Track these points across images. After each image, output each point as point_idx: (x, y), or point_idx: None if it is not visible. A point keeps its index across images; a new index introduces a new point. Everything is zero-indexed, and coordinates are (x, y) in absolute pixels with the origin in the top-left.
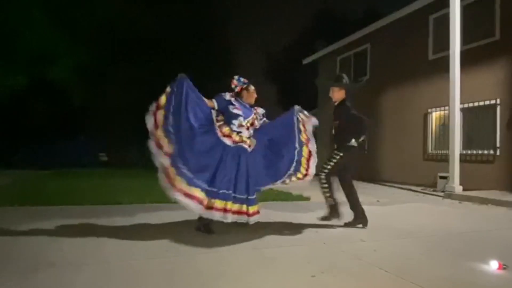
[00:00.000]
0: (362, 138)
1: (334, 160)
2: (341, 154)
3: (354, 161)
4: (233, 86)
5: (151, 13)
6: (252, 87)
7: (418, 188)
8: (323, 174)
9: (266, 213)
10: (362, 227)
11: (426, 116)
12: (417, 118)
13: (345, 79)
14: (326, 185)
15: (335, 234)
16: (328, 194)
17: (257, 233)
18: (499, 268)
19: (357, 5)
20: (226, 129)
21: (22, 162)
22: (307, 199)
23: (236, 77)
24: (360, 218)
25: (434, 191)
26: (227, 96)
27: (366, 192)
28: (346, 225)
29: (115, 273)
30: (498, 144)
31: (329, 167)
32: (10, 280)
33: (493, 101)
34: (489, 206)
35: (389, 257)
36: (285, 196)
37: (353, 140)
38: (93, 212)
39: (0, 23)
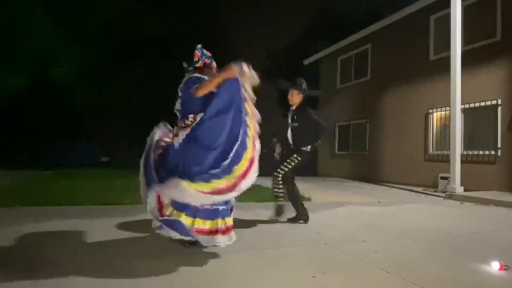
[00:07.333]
0: (317, 144)
1: (293, 163)
2: (300, 158)
3: (304, 163)
4: (195, 59)
5: (152, 13)
6: (215, 63)
7: (419, 189)
8: (280, 175)
9: (267, 213)
10: (303, 223)
11: (427, 116)
12: (418, 119)
13: (305, 84)
14: (281, 186)
15: (336, 235)
16: (281, 195)
17: (258, 233)
18: (500, 269)
19: (358, 5)
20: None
21: (23, 162)
22: (308, 199)
23: (199, 47)
24: (302, 215)
25: (435, 191)
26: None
27: (367, 192)
28: (289, 220)
29: (116, 274)
30: (499, 145)
31: (286, 169)
32: (10, 280)
33: (494, 102)
34: (491, 207)
35: (390, 258)
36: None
37: (309, 146)
38: (94, 212)
39: (3, 23)
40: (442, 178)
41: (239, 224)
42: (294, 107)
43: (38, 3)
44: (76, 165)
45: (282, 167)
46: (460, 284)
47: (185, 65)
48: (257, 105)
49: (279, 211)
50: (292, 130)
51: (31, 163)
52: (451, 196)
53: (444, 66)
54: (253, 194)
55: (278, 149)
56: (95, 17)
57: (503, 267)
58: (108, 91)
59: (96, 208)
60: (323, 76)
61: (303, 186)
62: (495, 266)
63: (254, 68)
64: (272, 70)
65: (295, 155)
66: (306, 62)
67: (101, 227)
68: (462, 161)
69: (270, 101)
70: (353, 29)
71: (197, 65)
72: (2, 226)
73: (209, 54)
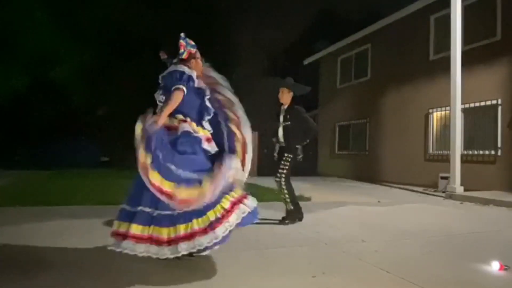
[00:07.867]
0: (305, 143)
1: (288, 163)
2: (292, 156)
3: (296, 161)
4: (181, 50)
5: (152, 13)
6: (199, 53)
7: (419, 189)
8: (282, 179)
9: (267, 213)
10: (298, 221)
11: (427, 116)
12: (418, 119)
13: (293, 82)
14: (285, 190)
15: (336, 235)
16: (289, 200)
17: (258, 233)
18: (500, 269)
19: (358, 5)
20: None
21: (23, 162)
22: (308, 199)
23: (182, 36)
24: (297, 214)
25: (435, 191)
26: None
27: (367, 192)
28: (283, 218)
29: (116, 273)
30: (499, 145)
31: (285, 171)
32: (11, 280)
33: (494, 101)
34: (491, 207)
35: (390, 258)
36: None
37: (299, 146)
38: (94, 212)
39: (3, 24)
40: (442, 178)
41: None
42: (285, 106)
43: (38, 3)
44: (76, 165)
45: (280, 171)
46: (460, 284)
47: (163, 57)
48: (258, 106)
49: (291, 215)
50: (283, 129)
51: (30, 163)
52: (451, 196)
53: (444, 66)
54: (252, 194)
55: (278, 149)
56: (95, 17)
57: (503, 267)
58: (108, 91)
59: (96, 208)
60: (323, 76)
61: (303, 186)
62: (495, 266)
63: (255, 68)
64: (272, 70)
65: (286, 154)
66: (306, 62)
67: (101, 227)
68: (462, 161)
69: (270, 102)
70: (353, 29)
71: (183, 56)
72: (2, 226)
73: (192, 43)
